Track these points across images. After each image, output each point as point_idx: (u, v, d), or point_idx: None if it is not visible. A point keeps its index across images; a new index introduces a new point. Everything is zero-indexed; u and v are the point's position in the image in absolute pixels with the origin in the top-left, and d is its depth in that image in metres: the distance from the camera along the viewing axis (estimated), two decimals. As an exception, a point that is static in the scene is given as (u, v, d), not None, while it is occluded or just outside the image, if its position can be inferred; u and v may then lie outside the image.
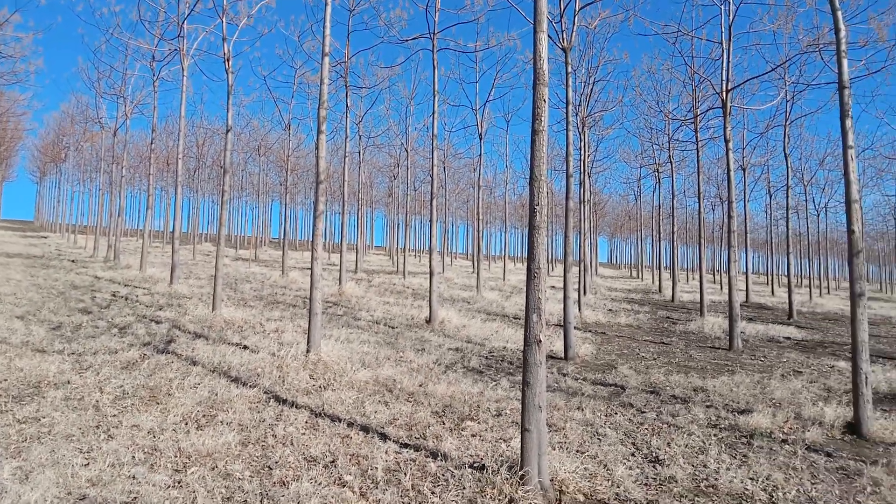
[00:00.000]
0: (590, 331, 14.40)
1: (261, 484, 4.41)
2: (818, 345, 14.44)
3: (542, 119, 5.12)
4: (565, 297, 10.66)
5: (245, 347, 9.03)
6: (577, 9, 11.08)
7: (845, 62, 8.19)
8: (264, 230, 53.11)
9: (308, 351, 8.32)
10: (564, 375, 9.09)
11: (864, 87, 43.86)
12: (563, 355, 10.53)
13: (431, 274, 13.54)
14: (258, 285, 19.04)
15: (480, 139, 20.40)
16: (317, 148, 8.46)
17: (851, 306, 6.96)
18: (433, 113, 14.04)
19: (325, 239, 59.95)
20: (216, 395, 6.50)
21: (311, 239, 8.62)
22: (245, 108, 29.44)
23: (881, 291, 53.08)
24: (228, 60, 11.87)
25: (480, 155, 20.99)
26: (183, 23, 14.74)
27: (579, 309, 16.90)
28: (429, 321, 13.44)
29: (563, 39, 11.07)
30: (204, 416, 5.83)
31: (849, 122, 7.90)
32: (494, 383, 8.06)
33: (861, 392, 6.66)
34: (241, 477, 4.50)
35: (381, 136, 29.31)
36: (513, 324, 14.38)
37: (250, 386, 6.93)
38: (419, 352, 10.04)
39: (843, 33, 8.15)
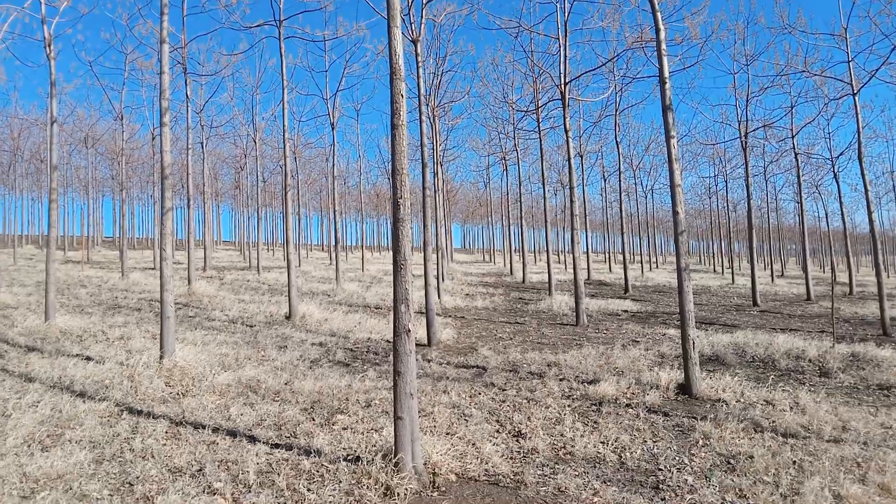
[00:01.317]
0: (450, 316, 14.86)
1: (122, 501, 4.15)
2: (651, 315, 15.98)
3: (401, 113, 5.22)
4: (426, 285, 10.92)
5: (88, 358, 8.32)
6: (424, 2, 11.29)
7: (665, 59, 9.09)
8: (96, 229, 48.67)
9: (162, 357, 7.84)
10: (429, 361, 9.34)
11: (682, 79, 48.59)
12: (426, 342, 10.80)
13: (289, 267, 13.24)
14: (95, 289, 17.50)
15: (333, 128, 20.14)
16: (161, 141, 7.96)
17: (678, 280, 7.79)
18: (282, 102, 13.66)
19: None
20: (61, 412, 5.96)
21: (157, 237, 8.11)
22: (68, 95, 26.67)
23: (700, 263, 59.46)
24: (49, 45, 10.73)
25: (333, 144, 20.74)
26: (-11, 1, 13.06)
27: (439, 295, 17.35)
28: (289, 317, 13.16)
29: (412, 31, 11.24)
30: (49, 435, 5.35)
31: (670, 115, 8.80)
32: (362, 375, 8.11)
33: (689, 356, 7.51)
34: (98, 497, 4.21)
35: (226, 126, 28.02)
36: (375, 314, 14.47)
37: (99, 399, 6.44)
38: (282, 349, 9.83)
39: (662, 33, 9.04)
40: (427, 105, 18.47)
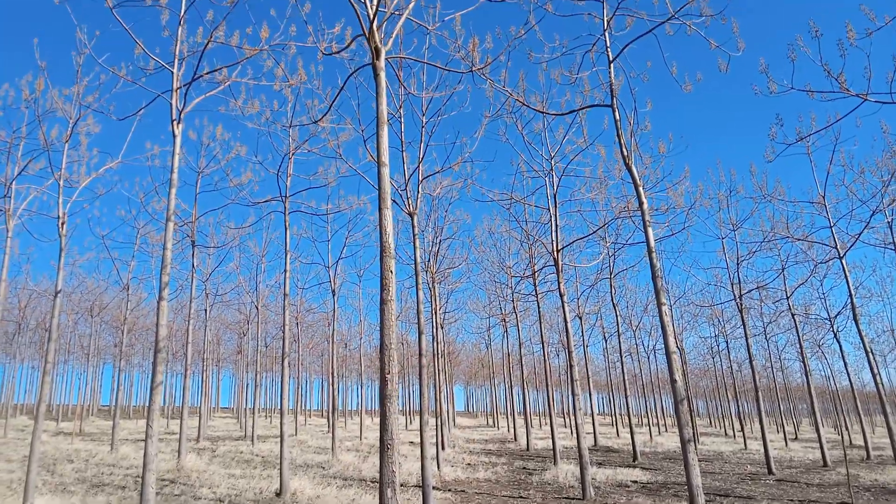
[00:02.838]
0: (450, 489, 14.10)
1: None
2: (662, 486, 15.16)
3: (390, 289, 5.37)
4: (422, 457, 10.51)
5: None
6: (420, 179, 12.04)
7: (650, 229, 9.50)
8: (93, 397, 47.83)
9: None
10: (424, 543, 8.73)
11: (673, 243, 50.27)
12: (422, 520, 10.17)
13: (282, 440, 12.80)
14: (82, 465, 16.80)
15: (334, 295, 20.53)
16: (157, 315, 8.09)
17: (683, 453, 7.53)
18: (285, 271, 14.04)
19: (164, 403, 54.97)
20: None
21: (147, 407, 7.94)
22: (79, 266, 27.52)
23: (710, 426, 57.41)
24: (63, 224, 11.30)
25: (334, 310, 21.01)
26: (11, 183, 13.95)
27: (438, 466, 16.60)
28: (280, 493, 12.49)
29: (409, 205, 11.85)
30: None
31: (659, 282, 9.01)
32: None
33: (700, 535, 7.05)
34: None
35: (231, 293, 28.54)
36: (370, 488, 13.75)
37: None
38: (268, 531, 9.23)
39: (645, 206, 9.54)
40: (426, 272, 18.99)
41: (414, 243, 12.02)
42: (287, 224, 14.11)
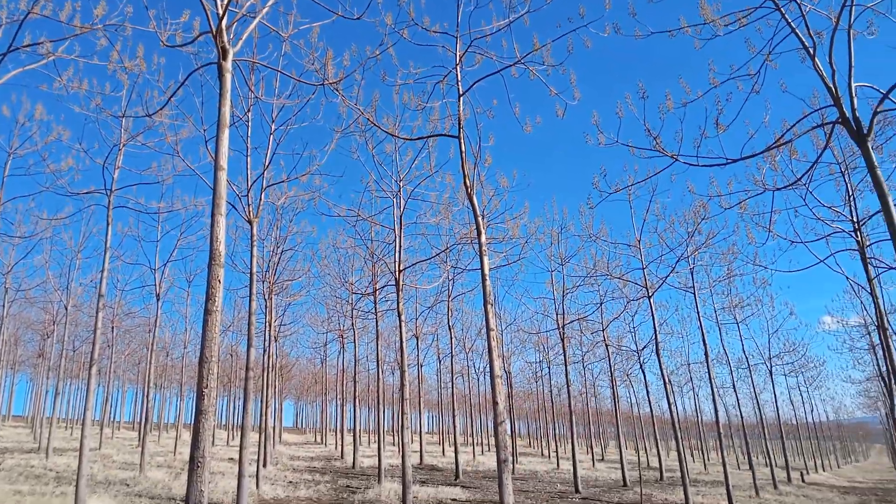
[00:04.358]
0: (267, 508, 13.61)
1: None
2: (479, 504, 15.76)
3: (217, 299, 5.17)
4: (240, 475, 10.07)
5: None
6: (263, 186, 11.70)
7: (486, 258, 9.97)
8: None
9: None
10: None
11: (508, 272, 52.76)
12: (234, 541, 9.72)
13: (81, 453, 11.63)
14: None
15: (158, 299, 19.13)
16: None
17: (498, 472, 7.91)
18: (103, 270, 12.88)
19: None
20: None
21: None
22: None
23: (529, 446, 60.60)
24: None
25: (157, 316, 19.56)
26: None
27: (257, 484, 15.95)
28: (73, 514, 11.31)
29: (249, 212, 11.45)
30: None
31: (489, 308, 9.47)
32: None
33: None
34: None
35: (36, 289, 25.62)
36: (180, 508, 12.89)
37: None
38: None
39: (483, 236, 10.00)
40: (264, 282, 18.34)
41: (251, 251, 11.61)
42: (110, 219, 12.98)
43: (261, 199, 11.77)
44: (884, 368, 12.04)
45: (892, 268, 11.25)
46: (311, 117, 12.13)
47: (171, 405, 61.72)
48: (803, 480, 31.35)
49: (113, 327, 24.26)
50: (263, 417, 18.42)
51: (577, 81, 9.30)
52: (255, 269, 11.58)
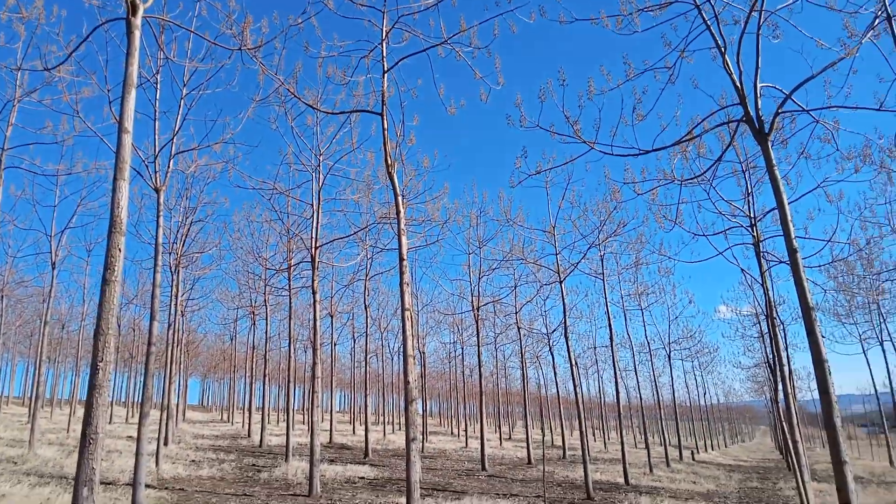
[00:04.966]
0: (167, 488, 13.14)
1: None
2: (387, 482, 15.85)
3: (116, 269, 4.90)
4: (137, 453, 9.66)
5: None
6: (172, 153, 11.15)
7: (405, 239, 9.94)
8: None
9: None
10: (128, 547, 8.04)
11: (427, 253, 52.89)
12: (129, 522, 9.35)
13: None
14: None
15: (53, 268, 17.95)
16: None
17: (407, 450, 7.97)
18: (-10, 235, 11.95)
19: None
20: None
21: None
22: None
23: (440, 426, 61.53)
24: None
25: (52, 286, 18.34)
26: None
27: (157, 463, 15.38)
28: (-52, 494, 10.53)
29: (156, 180, 10.90)
30: None
31: (406, 289, 9.47)
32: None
33: (411, 527, 7.51)
34: None
35: None
36: (72, 486, 12.23)
37: None
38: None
39: (402, 215, 9.95)
40: (170, 253, 17.56)
41: (158, 221, 11.05)
42: (1, 180, 12.03)
43: (169, 167, 11.21)
44: (770, 355, 12.93)
45: (782, 262, 12.04)
46: (227, 83, 11.59)
47: (65, 380, 58.29)
48: (694, 459, 33.48)
49: (2, 296, 22.56)
50: (166, 394, 17.76)
51: (503, 69, 9.38)
52: (161, 240, 11.04)
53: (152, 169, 11.03)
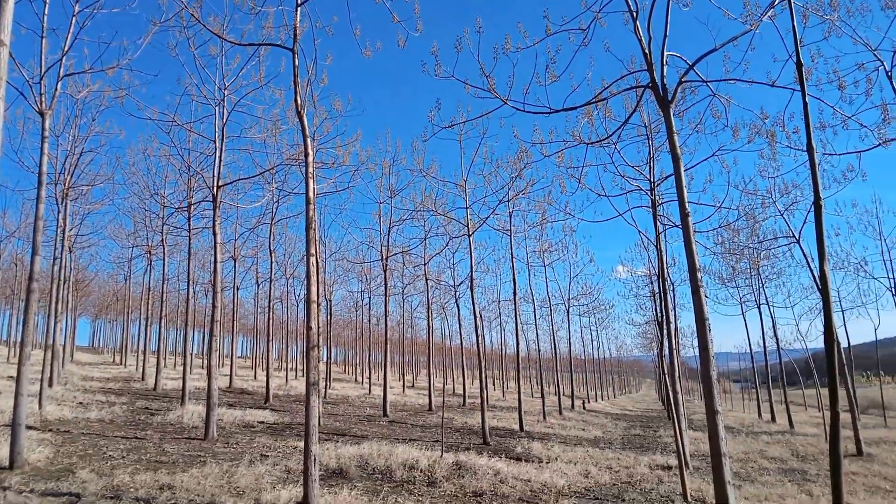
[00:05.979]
0: (51, 430, 12.53)
1: None
2: (287, 426, 15.83)
3: (-12, 194, 4.46)
4: (17, 394, 9.11)
5: None
6: (60, 75, 10.25)
7: (313, 182, 9.66)
8: None
9: None
10: (6, 489, 7.64)
11: (336, 199, 51.95)
12: (8, 464, 8.85)
13: None
14: None
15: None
16: None
17: (307, 395, 7.93)
18: None
19: None
20: None
21: None
22: None
23: (345, 373, 61.79)
24: None
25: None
26: None
27: (40, 405, 14.60)
28: None
29: (41, 103, 10.01)
30: None
31: (312, 233, 9.26)
32: None
33: (310, 473, 7.53)
34: None
35: None
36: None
37: None
38: None
39: (311, 158, 9.65)
40: (57, 184, 16.32)
41: (42, 147, 10.18)
42: None
43: (56, 89, 10.29)
44: (660, 313, 13.75)
45: (675, 226, 12.69)
46: (125, 3, 10.72)
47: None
48: (584, 408, 35.53)
49: None
50: (51, 333, 16.75)
51: (422, 15, 9.14)
52: (45, 168, 10.19)
53: (38, 91, 10.11)
